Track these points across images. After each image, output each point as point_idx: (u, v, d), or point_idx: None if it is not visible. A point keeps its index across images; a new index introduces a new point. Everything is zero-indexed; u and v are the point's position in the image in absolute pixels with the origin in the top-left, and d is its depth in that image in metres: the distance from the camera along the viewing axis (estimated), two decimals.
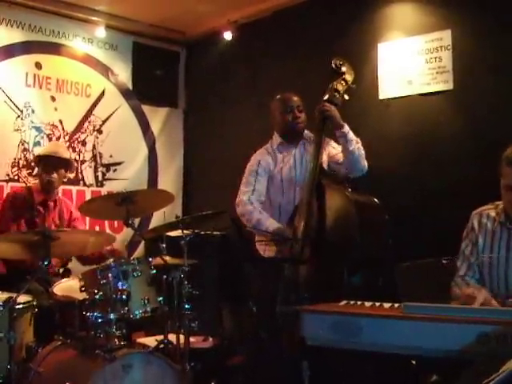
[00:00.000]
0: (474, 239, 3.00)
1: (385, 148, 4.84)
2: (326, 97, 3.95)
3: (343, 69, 4.03)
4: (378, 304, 2.57)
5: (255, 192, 4.12)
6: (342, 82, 4.00)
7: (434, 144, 4.62)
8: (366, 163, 3.99)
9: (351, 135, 3.91)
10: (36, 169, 5.17)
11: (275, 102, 4.27)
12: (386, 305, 2.54)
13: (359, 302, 2.64)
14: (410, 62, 4.81)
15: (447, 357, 2.14)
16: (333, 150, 4.12)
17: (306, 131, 4.22)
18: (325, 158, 4.09)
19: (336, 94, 3.95)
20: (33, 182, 5.33)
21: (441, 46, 4.63)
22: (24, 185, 5.32)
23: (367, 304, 2.59)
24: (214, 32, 6.23)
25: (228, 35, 6.07)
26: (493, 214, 2.99)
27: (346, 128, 3.91)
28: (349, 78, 4.02)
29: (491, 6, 4.37)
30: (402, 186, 4.69)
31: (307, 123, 4.18)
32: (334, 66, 4.05)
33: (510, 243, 2.90)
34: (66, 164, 4.77)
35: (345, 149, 3.92)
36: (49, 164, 4.65)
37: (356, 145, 3.92)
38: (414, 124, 4.76)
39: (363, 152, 3.97)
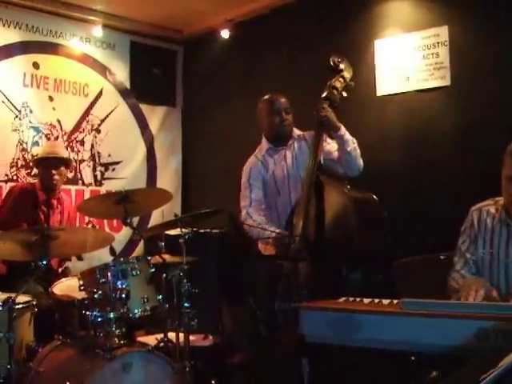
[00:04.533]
0: (473, 236, 2.98)
1: (382, 144, 4.84)
2: (324, 94, 3.93)
3: (341, 66, 4.01)
4: (376, 300, 2.57)
5: (253, 203, 4.10)
6: (341, 79, 3.98)
7: (431, 140, 4.63)
8: (361, 162, 3.97)
9: (348, 136, 3.90)
10: (35, 169, 5.17)
11: (262, 103, 4.23)
12: (385, 301, 2.54)
13: (358, 299, 2.64)
14: (407, 58, 4.81)
15: (446, 353, 2.14)
16: (327, 145, 4.09)
17: (294, 129, 4.21)
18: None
19: (334, 91, 3.93)
20: (33, 181, 5.32)
21: (438, 42, 4.63)
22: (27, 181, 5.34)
23: (366, 301, 2.59)
24: (211, 30, 6.23)
25: (225, 33, 6.08)
26: (492, 210, 2.96)
27: (343, 129, 3.89)
28: (347, 75, 4.01)
29: (487, 1, 4.38)
30: (400, 182, 4.70)
31: (301, 122, 4.17)
32: (332, 63, 4.03)
33: (509, 240, 2.88)
34: (65, 162, 4.76)
35: (342, 149, 3.90)
36: (49, 165, 4.63)
37: (352, 145, 3.91)
38: (412, 120, 4.77)
39: (359, 151, 3.95)
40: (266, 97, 4.24)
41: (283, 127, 4.13)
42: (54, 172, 4.61)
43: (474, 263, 2.96)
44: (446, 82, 4.58)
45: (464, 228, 3.06)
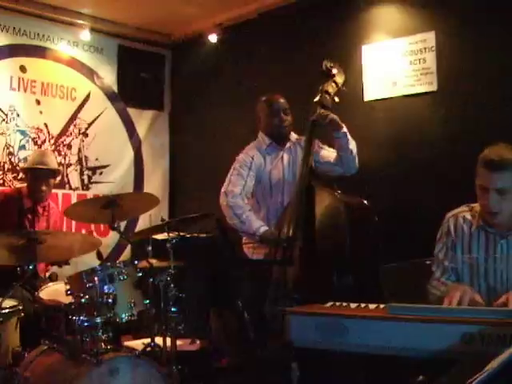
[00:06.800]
0: (450, 243, 2.97)
1: (370, 149, 4.84)
2: (316, 99, 3.92)
3: (334, 71, 4.00)
4: (363, 305, 2.57)
5: (246, 187, 4.04)
6: (333, 84, 3.97)
7: (418, 145, 4.64)
8: (357, 161, 4.03)
9: (349, 135, 3.93)
10: (21, 174, 5.15)
11: (261, 104, 4.21)
12: (372, 306, 2.54)
13: (345, 304, 2.63)
14: (394, 63, 4.83)
15: (433, 357, 2.14)
16: (325, 152, 4.10)
17: (292, 133, 4.20)
18: (314, 159, 4.09)
19: (327, 96, 3.91)
20: (19, 185, 5.28)
21: (425, 48, 4.65)
22: (13, 187, 5.30)
23: (353, 305, 2.59)
24: (199, 34, 6.23)
25: (213, 38, 6.07)
26: (468, 216, 2.95)
27: (345, 128, 3.91)
28: (339, 80, 4.00)
29: (475, 7, 4.40)
30: (387, 187, 4.71)
31: (293, 125, 4.17)
32: (324, 68, 4.02)
33: (488, 245, 2.88)
34: (54, 173, 4.75)
35: (345, 148, 3.91)
36: (37, 176, 4.61)
37: (353, 143, 3.96)
38: (399, 125, 4.78)
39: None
40: (265, 97, 4.21)
41: (282, 128, 4.12)
42: (42, 183, 4.60)
43: (453, 270, 2.95)
44: (433, 88, 4.60)
45: (440, 235, 3.04)
